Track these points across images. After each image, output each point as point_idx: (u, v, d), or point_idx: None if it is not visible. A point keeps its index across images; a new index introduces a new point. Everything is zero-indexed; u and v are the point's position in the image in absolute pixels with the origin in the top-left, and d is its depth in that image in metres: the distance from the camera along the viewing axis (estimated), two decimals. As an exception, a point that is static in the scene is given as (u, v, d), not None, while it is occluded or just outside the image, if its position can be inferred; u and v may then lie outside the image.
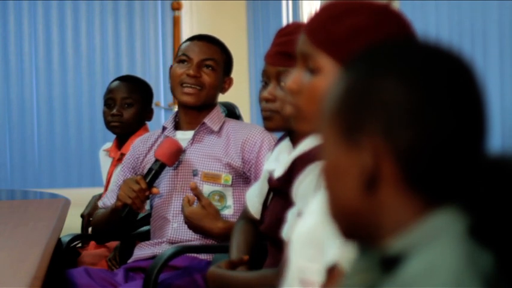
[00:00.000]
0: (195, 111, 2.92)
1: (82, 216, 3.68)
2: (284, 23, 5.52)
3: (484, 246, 0.93)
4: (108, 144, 3.75)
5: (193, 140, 2.91)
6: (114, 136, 3.65)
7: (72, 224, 3.68)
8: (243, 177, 2.84)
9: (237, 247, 2.31)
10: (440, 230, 0.94)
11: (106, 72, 6.13)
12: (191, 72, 2.86)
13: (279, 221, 1.85)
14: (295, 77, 1.37)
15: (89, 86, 6.14)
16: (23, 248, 2.29)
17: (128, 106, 3.53)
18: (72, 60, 6.15)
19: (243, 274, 2.17)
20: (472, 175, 0.95)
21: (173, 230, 2.86)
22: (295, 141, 2.05)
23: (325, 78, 1.33)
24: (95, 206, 3.63)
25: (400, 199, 0.95)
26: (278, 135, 2.33)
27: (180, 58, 2.92)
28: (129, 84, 3.59)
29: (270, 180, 2.12)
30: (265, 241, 2.17)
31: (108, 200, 3.03)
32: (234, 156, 2.83)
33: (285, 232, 1.73)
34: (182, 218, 2.81)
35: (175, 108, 3.06)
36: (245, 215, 2.38)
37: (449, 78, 0.96)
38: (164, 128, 2.99)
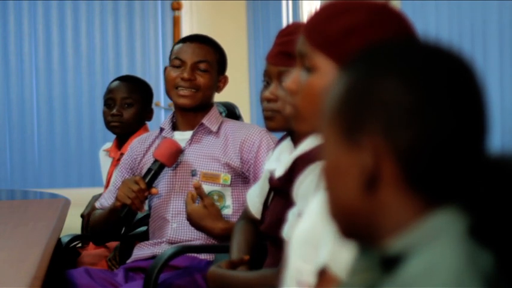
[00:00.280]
0: (191, 112, 2.92)
1: (82, 216, 3.68)
2: (284, 23, 5.52)
3: (484, 246, 0.93)
4: (108, 144, 3.75)
5: (191, 140, 2.91)
6: (114, 136, 3.65)
7: (72, 224, 3.68)
8: (241, 177, 2.84)
9: (237, 247, 2.31)
10: (440, 230, 0.94)
11: (106, 72, 6.13)
12: (185, 75, 2.87)
13: (279, 220, 1.85)
14: (294, 77, 1.38)
15: (89, 86, 6.14)
16: (23, 248, 2.29)
17: (127, 106, 3.53)
18: (72, 60, 6.15)
19: (244, 274, 2.17)
20: (472, 175, 0.95)
21: (172, 230, 2.86)
22: (296, 141, 2.05)
23: (321, 77, 1.34)
24: (94, 206, 3.63)
25: (400, 199, 0.95)
26: (278, 135, 2.33)
27: (174, 62, 2.92)
28: (129, 84, 3.59)
29: (271, 179, 2.12)
30: (265, 241, 2.17)
31: (106, 201, 3.03)
32: (232, 156, 2.83)
33: (285, 232, 1.73)
34: (181, 218, 2.81)
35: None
36: (246, 215, 2.38)
37: (449, 78, 0.96)
38: (162, 129, 2.99)
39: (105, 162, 3.75)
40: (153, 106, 3.68)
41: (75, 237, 3.34)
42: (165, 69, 2.99)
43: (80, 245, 3.62)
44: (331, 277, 1.25)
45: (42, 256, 2.12)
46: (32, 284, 1.81)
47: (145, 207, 3.00)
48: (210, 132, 2.91)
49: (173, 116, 3.00)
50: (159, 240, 2.89)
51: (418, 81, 0.95)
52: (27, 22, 6.11)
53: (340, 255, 1.20)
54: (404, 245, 0.94)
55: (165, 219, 2.88)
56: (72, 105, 6.13)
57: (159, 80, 6.12)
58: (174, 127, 2.98)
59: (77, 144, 6.12)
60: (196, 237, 2.81)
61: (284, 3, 5.61)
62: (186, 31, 6.12)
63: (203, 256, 2.81)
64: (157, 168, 2.79)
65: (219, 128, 2.92)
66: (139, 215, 3.14)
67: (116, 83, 3.60)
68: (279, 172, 2.03)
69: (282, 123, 2.09)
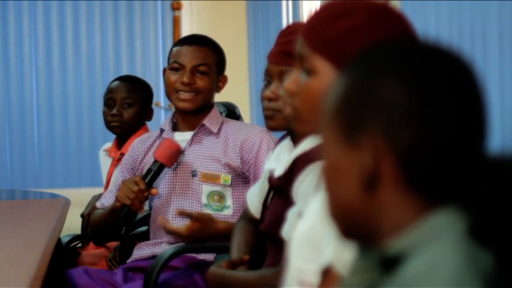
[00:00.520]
0: (192, 114, 2.92)
1: (82, 216, 3.68)
2: (284, 23, 5.52)
3: (484, 246, 0.93)
4: (108, 144, 3.75)
5: (192, 141, 2.91)
6: (114, 136, 3.65)
7: (72, 224, 3.68)
8: (242, 177, 2.84)
9: (237, 247, 2.31)
10: (440, 230, 0.94)
11: (106, 72, 6.13)
12: (185, 80, 2.87)
13: (279, 220, 1.85)
14: (293, 78, 1.38)
15: (89, 86, 6.14)
16: (23, 248, 2.29)
17: (128, 106, 3.53)
18: (72, 60, 6.15)
19: (243, 274, 2.17)
20: (472, 175, 0.95)
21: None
22: (296, 141, 2.05)
23: (320, 79, 1.34)
24: (95, 206, 3.64)
25: (400, 199, 0.95)
26: (278, 134, 2.33)
27: (172, 65, 2.92)
28: (129, 84, 3.59)
29: (271, 179, 2.12)
30: (265, 241, 2.17)
31: (106, 201, 3.03)
32: (232, 157, 2.83)
33: (285, 231, 1.73)
34: (181, 218, 2.81)
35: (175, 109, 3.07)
36: (246, 215, 2.38)
37: (449, 78, 0.96)
38: (162, 130, 2.99)
39: (105, 162, 3.75)
40: (153, 106, 3.68)
41: (75, 237, 3.34)
42: (164, 71, 2.99)
43: (79, 245, 3.62)
44: (335, 276, 1.25)
45: (42, 256, 2.12)
46: (32, 284, 1.81)
47: (146, 207, 3.00)
48: (210, 132, 2.91)
49: (173, 117, 3.00)
50: (159, 240, 2.89)
51: (418, 81, 0.95)
52: (27, 22, 6.11)
53: (344, 254, 1.20)
54: (404, 245, 0.94)
55: (165, 219, 2.88)
56: (72, 105, 6.13)
57: (159, 80, 6.12)
58: (175, 128, 2.98)
59: (77, 144, 6.12)
60: (196, 238, 2.81)
61: (284, 3, 5.61)
62: (186, 31, 6.12)
63: (202, 256, 2.81)
64: (157, 169, 2.79)
65: (219, 129, 2.92)
66: (140, 215, 3.14)
67: (116, 83, 3.60)
68: (278, 171, 2.03)
69: (283, 123, 2.09)
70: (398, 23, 1.34)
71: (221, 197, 2.83)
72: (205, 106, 2.93)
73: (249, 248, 2.30)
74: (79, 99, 6.14)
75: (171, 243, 2.83)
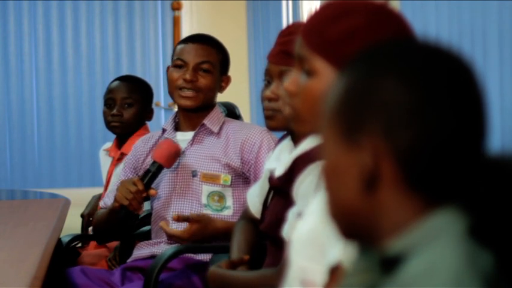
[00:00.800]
0: (194, 113, 2.92)
1: (82, 216, 3.68)
2: (284, 23, 5.52)
3: (484, 246, 0.93)
4: (108, 144, 3.76)
5: (193, 141, 2.91)
6: (114, 136, 3.65)
7: (72, 224, 3.68)
8: (242, 178, 2.84)
9: (237, 247, 2.31)
10: (440, 230, 0.94)
11: (106, 72, 6.13)
12: (187, 77, 2.86)
13: (279, 220, 1.85)
14: (292, 79, 1.38)
15: (89, 86, 6.14)
16: (23, 248, 2.29)
17: (128, 106, 3.53)
18: (72, 60, 6.15)
19: (244, 274, 2.17)
20: (472, 175, 0.95)
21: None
22: (296, 141, 2.05)
23: (320, 80, 1.34)
24: (95, 206, 3.64)
25: (399, 199, 0.95)
26: (278, 134, 2.33)
27: (176, 63, 2.92)
28: (129, 84, 3.59)
29: (271, 179, 2.12)
30: (265, 240, 2.17)
31: (110, 200, 3.03)
32: (233, 157, 2.83)
33: (285, 231, 1.73)
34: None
35: (175, 109, 3.07)
36: (246, 215, 2.38)
37: (449, 78, 0.96)
38: (164, 130, 2.99)
39: (105, 161, 3.75)
40: (153, 106, 3.68)
41: (76, 237, 3.34)
42: (167, 69, 2.98)
43: (80, 245, 3.62)
44: (344, 274, 1.25)
45: (42, 256, 2.12)
46: (32, 284, 1.81)
47: (147, 206, 3.01)
48: (211, 132, 2.91)
49: (175, 117, 3.00)
50: (159, 240, 2.89)
51: (418, 81, 0.95)
52: (27, 22, 6.11)
53: (353, 252, 1.20)
54: (404, 246, 0.94)
55: (165, 219, 2.88)
56: (72, 105, 6.13)
57: (159, 80, 6.13)
58: (177, 127, 2.98)
59: (77, 144, 6.12)
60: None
61: (284, 3, 5.61)
62: (186, 31, 6.12)
63: (199, 257, 2.81)
64: (155, 170, 2.79)
65: (220, 129, 2.91)
66: (143, 214, 3.14)
67: (116, 83, 3.60)
68: (278, 171, 2.03)
69: (283, 123, 2.09)
70: (398, 24, 1.34)
71: (221, 197, 2.83)
72: (207, 105, 2.92)
73: (249, 248, 2.30)
74: (79, 99, 6.14)
75: (170, 243, 2.83)
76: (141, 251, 2.92)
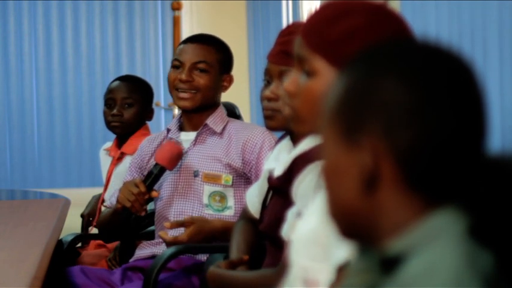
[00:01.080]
0: (196, 113, 2.91)
1: (82, 216, 3.68)
2: (284, 23, 5.52)
3: (484, 246, 0.93)
4: (109, 144, 3.76)
5: (195, 141, 2.90)
6: (114, 136, 3.65)
7: (72, 224, 3.68)
8: (244, 178, 2.83)
9: (236, 247, 2.31)
10: (440, 230, 0.94)
11: (106, 72, 6.13)
12: (183, 77, 2.86)
13: (278, 220, 1.85)
14: (292, 79, 1.38)
15: (89, 86, 6.15)
16: (23, 248, 2.29)
17: (128, 106, 3.53)
18: (72, 60, 6.15)
19: (243, 274, 2.17)
20: (472, 175, 0.95)
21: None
22: (295, 141, 2.04)
23: (320, 81, 1.34)
24: (95, 206, 3.64)
25: (399, 199, 0.95)
26: (278, 134, 2.33)
27: (173, 63, 2.92)
28: (130, 84, 3.59)
29: (270, 179, 2.12)
30: (264, 240, 2.17)
31: (115, 199, 3.03)
32: (234, 157, 2.83)
33: (285, 231, 1.73)
34: (183, 219, 2.80)
35: (176, 108, 3.07)
36: (245, 215, 2.38)
37: (449, 78, 0.96)
38: (169, 130, 2.99)
39: (105, 161, 3.75)
40: (154, 106, 3.68)
41: (78, 237, 3.34)
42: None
43: (79, 245, 3.62)
44: None
45: (42, 256, 2.12)
46: (32, 284, 1.81)
47: (152, 207, 3.01)
48: (214, 132, 2.90)
49: (180, 117, 3.00)
50: (159, 240, 2.89)
51: (418, 81, 0.95)
52: (27, 22, 6.11)
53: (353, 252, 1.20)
54: (404, 246, 0.94)
55: (167, 219, 2.88)
56: (72, 105, 6.14)
57: (159, 80, 6.13)
58: (181, 127, 2.98)
59: (77, 144, 6.12)
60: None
61: (284, 3, 5.61)
62: (186, 31, 6.12)
63: (199, 257, 2.81)
64: (157, 172, 2.79)
65: (223, 129, 2.90)
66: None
67: (116, 83, 3.60)
68: (278, 171, 2.03)
69: (282, 123, 2.08)
70: (398, 24, 1.34)
71: (222, 197, 2.83)
72: (209, 105, 2.91)
73: (248, 248, 2.30)
74: (79, 99, 6.14)
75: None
76: (143, 250, 2.92)
